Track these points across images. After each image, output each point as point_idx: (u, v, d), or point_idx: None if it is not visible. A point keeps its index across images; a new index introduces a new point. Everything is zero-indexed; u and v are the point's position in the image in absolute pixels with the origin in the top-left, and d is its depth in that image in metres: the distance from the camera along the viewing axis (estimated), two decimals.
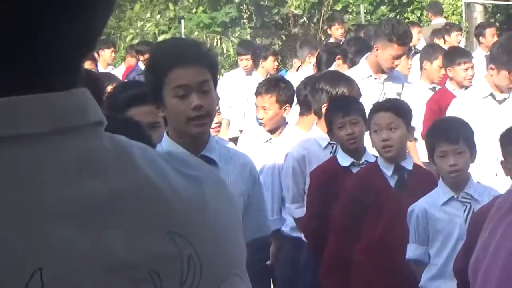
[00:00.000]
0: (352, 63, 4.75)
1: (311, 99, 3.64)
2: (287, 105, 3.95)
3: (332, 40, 8.67)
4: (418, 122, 4.82)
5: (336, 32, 8.68)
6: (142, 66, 7.32)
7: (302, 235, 3.50)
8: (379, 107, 3.36)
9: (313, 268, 3.42)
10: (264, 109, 3.93)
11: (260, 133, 4.10)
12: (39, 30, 0.57)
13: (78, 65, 0.61)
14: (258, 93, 4.05)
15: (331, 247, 3.26)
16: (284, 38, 13.57)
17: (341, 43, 5.83)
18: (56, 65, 0.59)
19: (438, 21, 9.51)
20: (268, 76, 6.22)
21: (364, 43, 4.82)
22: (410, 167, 3.26)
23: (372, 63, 4.55)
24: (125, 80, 6.04)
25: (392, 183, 3.20)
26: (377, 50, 4.52)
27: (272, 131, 3.95)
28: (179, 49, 2.48)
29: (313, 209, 3.39)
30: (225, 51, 12.68)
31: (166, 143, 2.39)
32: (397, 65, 4.57)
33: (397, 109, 3.32)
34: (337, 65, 4.80)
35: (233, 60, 12.20)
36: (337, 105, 3.39)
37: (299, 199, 3.54)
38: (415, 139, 4.79)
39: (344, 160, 3.36)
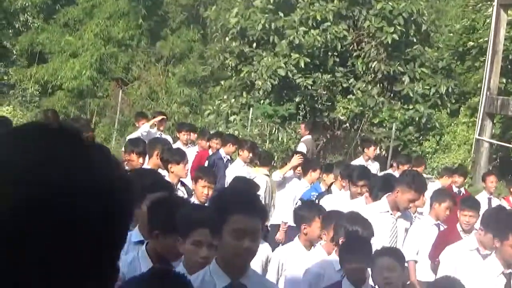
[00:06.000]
0: (375, 198, 5.79)
1: (334, 232, 4.68)
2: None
3: (364, 157, 9.95)
4: (422, 249, 5.85)
5: (369, 153, 9.84)
6: (222, 152, 8.81)
7: None
8: (381, 252, 4.38)
9: None
10: None
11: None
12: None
13: None
14: None
15: None
16: (328, 137, 15.75)
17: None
18: None
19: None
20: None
21: (388, 184, 5.86)
22: None
23: (391, 202, 5.50)
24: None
25: None
26: (397, 192, 5.47)
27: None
28: (243, 199, 2.91)
29: None
30: (279, 139, 14.64)
31: (213, 268, 2.82)
32: (411, 207, 5.59)
33: (396, 255, 4.34)
34: (365, 197, 5.88)
35: (285, 147, 14.16)
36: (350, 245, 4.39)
37: None
38: (415, 261, 5.84)
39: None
